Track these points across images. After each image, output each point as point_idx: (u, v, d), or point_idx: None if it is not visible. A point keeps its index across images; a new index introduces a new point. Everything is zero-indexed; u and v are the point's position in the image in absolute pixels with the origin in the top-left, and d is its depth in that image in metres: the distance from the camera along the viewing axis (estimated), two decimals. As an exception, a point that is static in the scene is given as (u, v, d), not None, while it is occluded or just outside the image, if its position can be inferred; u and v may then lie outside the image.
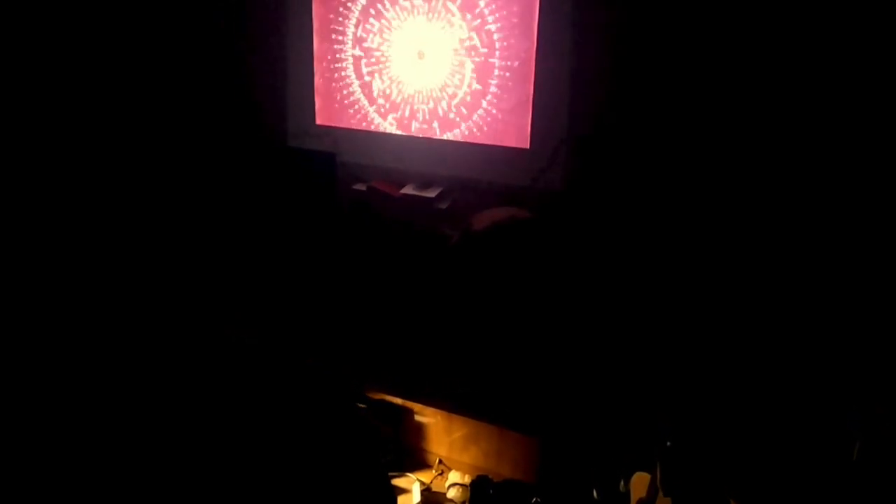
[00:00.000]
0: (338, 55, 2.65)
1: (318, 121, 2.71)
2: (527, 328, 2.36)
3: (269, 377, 2.15)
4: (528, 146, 2.38)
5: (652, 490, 1.95)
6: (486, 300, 2.40)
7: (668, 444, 1.93)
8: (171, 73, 2.89)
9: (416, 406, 2.54)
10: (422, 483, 2.39)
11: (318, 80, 2.69)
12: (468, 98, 2.48)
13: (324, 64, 2.68)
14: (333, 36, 2.63)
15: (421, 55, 2.52)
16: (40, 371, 2.36)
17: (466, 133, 2.50)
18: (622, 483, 2.07)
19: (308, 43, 2.65)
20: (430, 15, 2.45)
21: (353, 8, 2.55)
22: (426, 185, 2.54)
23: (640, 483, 2.00)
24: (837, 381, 1.97)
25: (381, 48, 2.58)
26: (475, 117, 2.49)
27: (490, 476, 2.45)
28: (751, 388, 2.09)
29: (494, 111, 2.45)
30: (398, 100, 2.61)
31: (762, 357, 2.08)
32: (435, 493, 2.40)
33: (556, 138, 2.32)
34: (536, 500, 2.26)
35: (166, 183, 2.96)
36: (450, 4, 2.38)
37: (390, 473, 2.49)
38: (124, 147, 2.99)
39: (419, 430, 2.61)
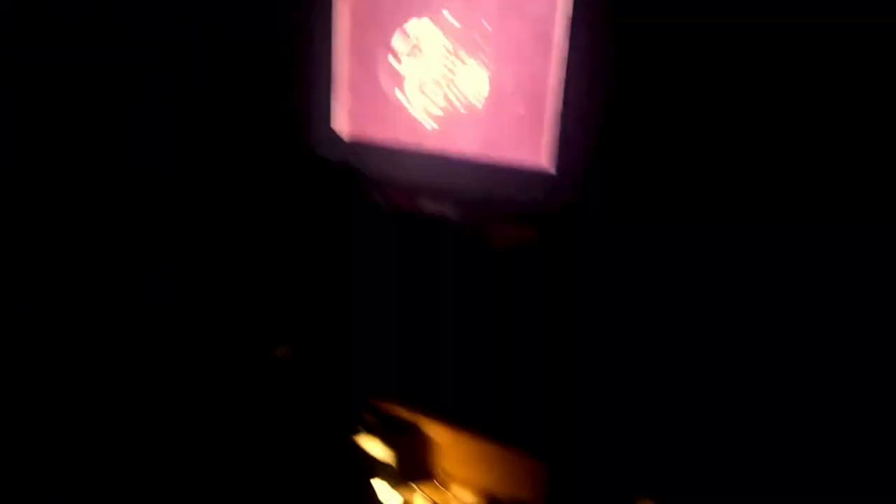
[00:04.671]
0: (359, 67, 2.64)
1: (337, 130, 2.70)
2: (539, 348, 2.35)
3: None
4: (548, 166, 2.35)
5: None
6: (501, 319, 2.40)
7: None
8: (195, 77, 2.88)
9: (421, 419, 2.53)
10: (425, 496, 2.39)
11: (338, 91, 2.68)
12: (488, 114, 2.45)
13: (345, 75, 2.67)
14: (355, 48, 2.62)
15: (442, 68, 2.50)
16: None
17: (485, 149, 2.47)
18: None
19: (328, 54, 2.64)
20: (456, 27, 2.43)
21: (377, 22, 2.55)
22: (442, 199, 2.52)
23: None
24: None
25: (402, 61, 2.56)
26: (495, 133, 2.47)
27: (497, 497, 2.45)
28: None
29: (515, 129, 2.42)
30: (417, 113, 2.59)
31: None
32: (438, 507, 2.41)
33: (578, 158, 2.29)
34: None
35: (185, 186, 2.94)
36: (483, 21, 2.37)
37: (393, 483, 2.49)
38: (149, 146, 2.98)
39: (424, 444, 2.60)
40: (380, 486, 2.40)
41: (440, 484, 2.52)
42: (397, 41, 2.52)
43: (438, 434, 2.57)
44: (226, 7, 2.89)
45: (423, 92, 2.55)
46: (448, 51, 2.47)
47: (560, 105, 2.25)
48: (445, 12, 2.42)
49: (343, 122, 2.69)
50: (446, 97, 2.51)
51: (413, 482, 2.53)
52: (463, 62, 2.44)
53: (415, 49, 2.53)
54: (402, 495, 2.46)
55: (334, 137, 2.70)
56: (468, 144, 2.48)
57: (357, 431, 2.49)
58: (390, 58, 2.56)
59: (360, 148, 2.67)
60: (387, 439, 2.50)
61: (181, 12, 2.88)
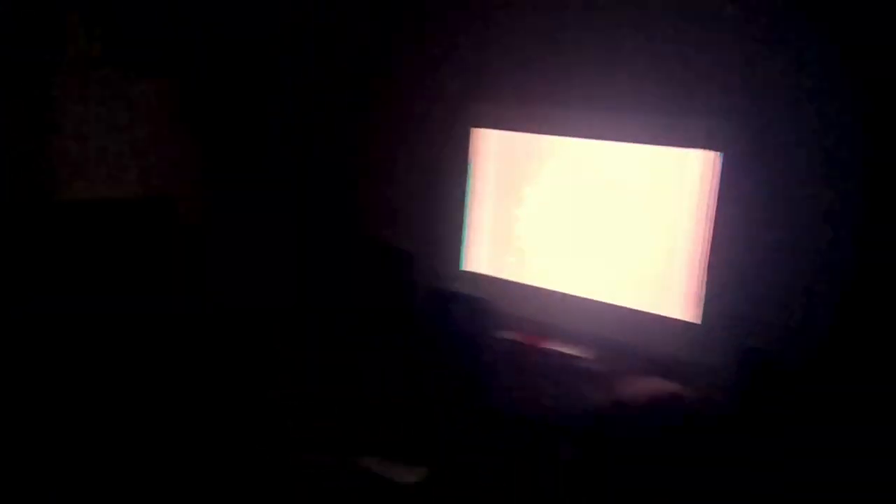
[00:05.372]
0: (496, 209, 2.64)
1: (468, 266, 2.71)
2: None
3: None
4: (698, 320, 2.15)
5: None
6: (629, 482, 2.06)
7: None
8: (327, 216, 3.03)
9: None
10: None
11: (472, 229, 2.69)
12: (631, 261, 2.32)
13: (480, 215, 2.68)
14: (492, 192, 2.63)
15: (583, 216, 2.43)
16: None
17: (627, 298, 2.31)
18: None
19: (463, 195, 2.66)
20: (595, 181, 2.37)
21: (513, 172, 2.55)
22: (574, 342, 2.32)
23: None
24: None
25: (541, 208, 2.54)
26: (638, 281, 2.31)
27: None
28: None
29: (662, 278, 2.26)
30: (558, 256, 2.52)
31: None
32: None
33: (729, 315, 2.09)
34: None
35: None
36: (619, 175, 2.30)
37: None
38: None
39: None
40: None
41: None
42: (536, 193, 2.53)
43: None
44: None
45: (557, 238, 2.52)
46: (588, 204, 2.40)
47: (708, 261, 2.12)
48: (586, 171, 2.39)
49: (479, 259, 2.70)
50: (582, 243, 2.44)
51: None
52: (606, 215, 2.36)
53: (553, 198, 2.50)
54: None
55: (468, 273, 2.70)
56: (608, 290, 2.36)
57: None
58: (525, 206, 2.56)
59: (489, 283, 2.63)
60: None
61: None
